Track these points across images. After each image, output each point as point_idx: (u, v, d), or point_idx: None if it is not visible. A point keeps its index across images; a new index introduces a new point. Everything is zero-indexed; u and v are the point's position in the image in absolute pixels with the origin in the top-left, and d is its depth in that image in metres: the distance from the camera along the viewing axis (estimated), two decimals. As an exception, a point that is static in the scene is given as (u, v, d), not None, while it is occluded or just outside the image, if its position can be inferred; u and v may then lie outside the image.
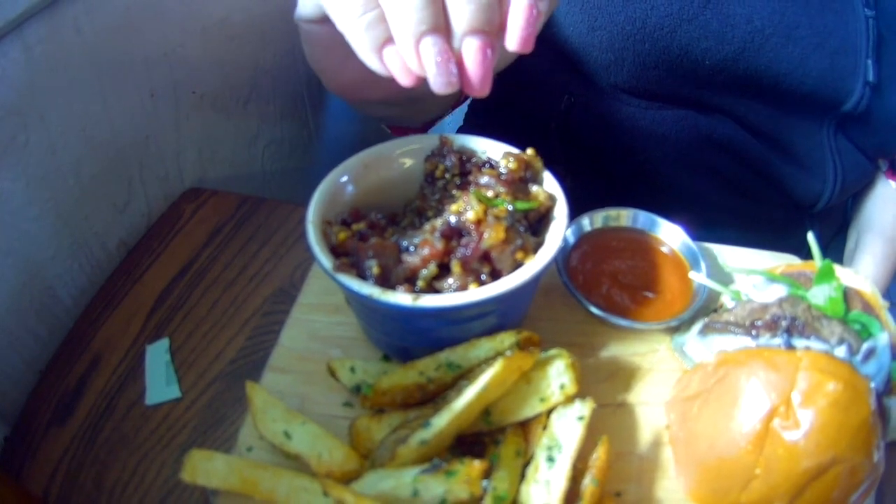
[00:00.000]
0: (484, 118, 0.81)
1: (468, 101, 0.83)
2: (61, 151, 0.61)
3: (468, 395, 0.39)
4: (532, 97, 0.70)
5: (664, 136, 0.64)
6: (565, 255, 0.52)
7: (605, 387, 0.49)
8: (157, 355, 0.57)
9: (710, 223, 0.72)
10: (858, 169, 0.74)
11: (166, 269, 0.62)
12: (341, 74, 0.55)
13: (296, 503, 0.41)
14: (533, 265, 0.40)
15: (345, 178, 0.48)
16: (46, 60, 0.57)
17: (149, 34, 0.65)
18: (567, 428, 0.42)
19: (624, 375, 0.49)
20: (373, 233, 0.43)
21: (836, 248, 0.91)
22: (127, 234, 0.67)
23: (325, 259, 0.41)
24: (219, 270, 0.61)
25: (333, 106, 0.97)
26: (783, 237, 0.74)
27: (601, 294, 0.50)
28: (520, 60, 0.66)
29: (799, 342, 0.47)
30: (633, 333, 0.51)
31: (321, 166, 0.49)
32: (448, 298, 0.38)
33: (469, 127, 0.84)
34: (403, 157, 0.50)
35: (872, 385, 0.46)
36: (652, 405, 0.49)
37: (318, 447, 0.43)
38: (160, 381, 0.55)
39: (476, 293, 0.38)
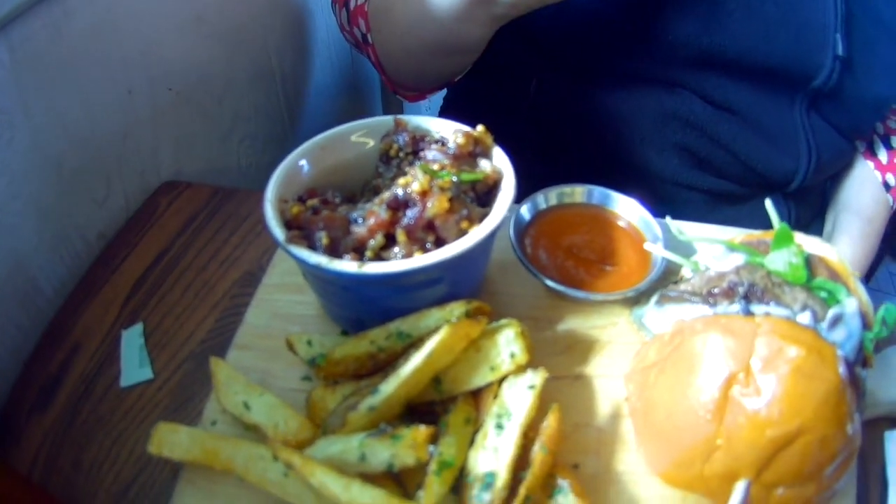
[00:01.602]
0: (462, 104, 0.83)
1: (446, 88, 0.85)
2: (43, 148, 0.64)
3: (415, 361, 0.41)
4: (502, 82, 0.72)
5: (631, 115, 0.65)
6: (520, 231, 0.53)
7: (562, 359, 0.50)
8: (132, 339, 0.59)
9: (683, 204, 0.73)
10: (834, 148, 0.74)
11: (142, 259, 0.65)
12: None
13: (252, 471, 0.43)
14: (477, 233, 0.41)
15: (302, 161, 0.50)
16: (29, 61, 0.60)
17: (126, 34, 0.68)
18: (517, 397, 0.43)
19: (581, 348, 0.50)
20: (326, 208, 0.45)
21: (815, 232, 0.91)
22: (106, 226, 0.70)
23: (278, 231, 0.43)
24: (191, 257, 0.64)
25: (308, 101, 1.01)
26: (759, 218, 0.75)
27: (557, 268, 0.52)
28: (490, 47, 0.68)
29: (758, 308, 0.47)
30: (591, 307, 0.52)
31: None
32: (392, 265, 0.40)
33: (446, 115, 0.87)
34: (360, 139, 0.52)
35: (841, 353, 0.45)
36: (611, 377, 0.50)
37: (275, 417, 0.45)
38: (134, 364, 0.58)
39: (419, 259, 0.40)
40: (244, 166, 0.87)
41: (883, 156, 0.82)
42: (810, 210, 0.88)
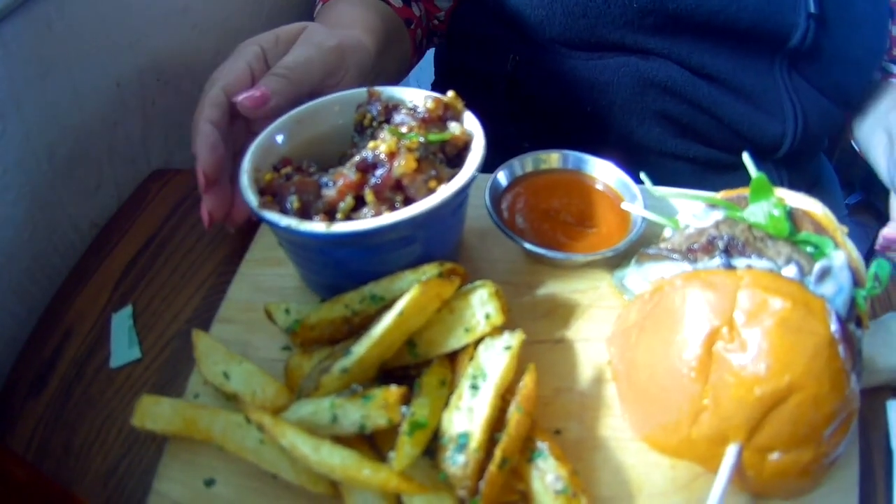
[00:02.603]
0: (447, 84, 0.85)
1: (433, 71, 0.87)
2: (36, 139, 0.66)
3: (386, 321, 0.41)
4: (481, 60, 0.73)
5: (607, 85, 0.65)
6: (497, 197, 0.53)
7: (542, 324, 0.49)
8: (122, 321, 0.61)
9: (672, 174, 0.72)
10: (820, 109, 0.73)
11: (132, 244, 0.67)
12: None
13: (230, 439, 0.44)
14: (445, 190, 0.42)
15: (278, 134, 0.51)
16: (22, 55, 0.62)
17: (114, 26, 0.70)
18: (493, 358, 0.43)
19: (563, 312, 0.50)
20: (299, 175, 0.46)
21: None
22: (97, 215, 0.72)
23: (251, 198, 0.44)
24: (179, 239, 0.65)
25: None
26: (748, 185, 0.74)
27: (535, 232, 0.51)
28: (466, 26, 0.69)
29: (739, 262, 0.45)
30: (571, 271, 0.51)
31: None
32: (360, 224, 0.40)
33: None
34: (335, 111, 0.53)
35: (831, 307, 0.43)
36: (593, 341, 0.49)
37: (253, 385, 0.46)
38: (123, 345, 0.59)
39: (387, 217, 0.40)
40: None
41: None
42: (806, 180, 0.86)
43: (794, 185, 0.86)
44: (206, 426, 0.45)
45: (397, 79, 0.78)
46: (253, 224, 0.60)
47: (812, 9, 0.65)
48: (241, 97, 0.50)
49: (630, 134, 0.69)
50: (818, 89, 0.72)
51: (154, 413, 0.47)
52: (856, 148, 0.89)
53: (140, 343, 0.59)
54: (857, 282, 0.48)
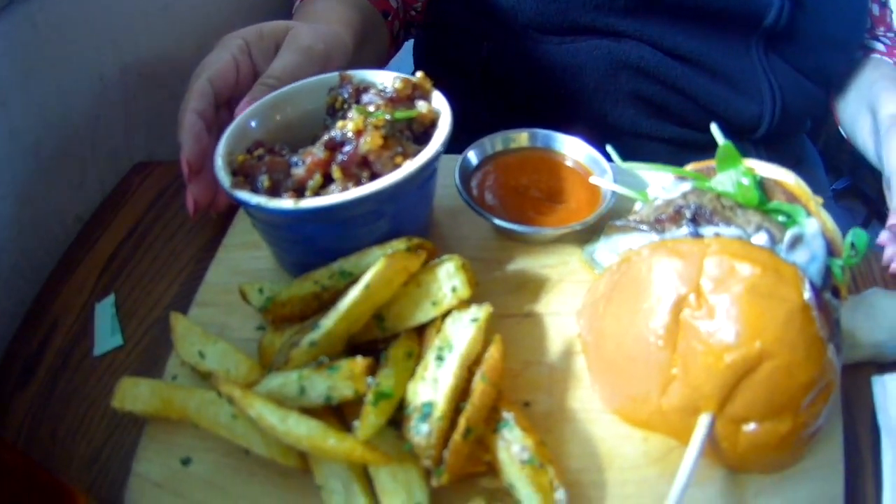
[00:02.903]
0: (426, 72, 0.86)
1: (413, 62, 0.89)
2: (22, 135, 0.68)
3: (353, 294, 0.42)
4: (456, 48, 0.74)
5: (580, 68, 0.66)
6: (468, 175, 0.54)
7: (512, 298, 0.50)
8: (104, 311, 0.62)
9: (649, 156, 0.72)
10: (799, 89, 0.74)
11: (115, 235, 0.68)
12: None
13: (204, 415, 0.45)
14: (410, 165, 0.43)
15: (252, 119, 0.52)
16: (7, 53, 0.64)
17: (97, 23, 0.72)
18: (460, 330, 0.43)
19: (532, 287, 0.51)
20: (271, 156, 0.47)
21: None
22: (82, 209, 0.73)
23: (224, 178, 0.45)
24: (160, 229, 0.66)
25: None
26: None
27: (505, 208, 0.52)
28: (442, 16, 0.70)
29: (707, 231, 0.46)
30: (541, 247, 0.52)
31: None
32: (327, 199, 0.41)
33: None
34: (307, 96, 0.54)
35: (804, 275, 0.43)
36: (563, 315, 0.50)
37: (227, 363, 0.47)
38: (106, 333, 0.60)
39: (353, 192, 0.41)
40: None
41: (881, 48, 0.81)
42: (787, 161, 0.86)
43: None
44: (182, 404, 0.46)
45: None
46: (233, 210, 0.62)
47: None
48: (235, 110, 0.52)
49: (604, 116, 0.70)
50: (797, 69, 0.73)
51: (133, 395, 0.48)
52: (843, 133, 0.89)
53: (122, 330, 0.60)
54: (833, 253, 0.47)
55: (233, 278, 0.54)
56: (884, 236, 0.61)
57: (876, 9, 0.87)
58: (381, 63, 0.80)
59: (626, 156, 0.59)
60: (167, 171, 0.73)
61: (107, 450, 0.55)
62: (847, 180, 1.43)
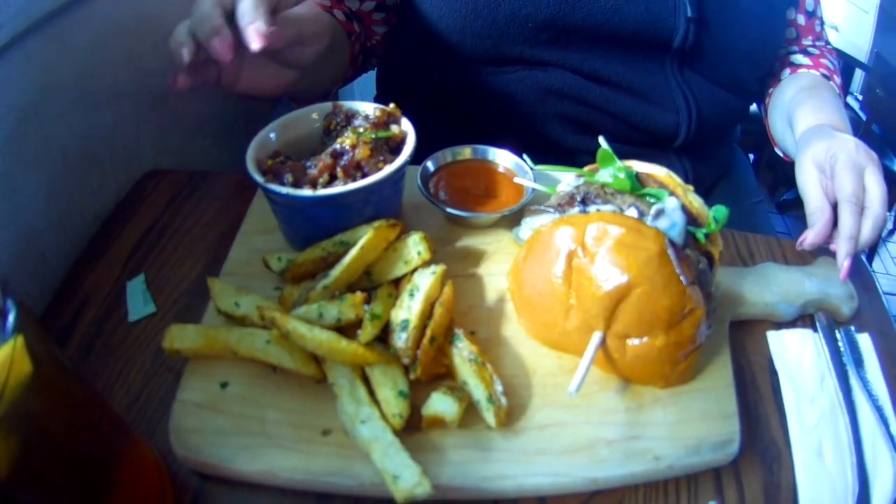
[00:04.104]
0: (388, 97, 1.16)
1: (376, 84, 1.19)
2: (51, 141, 0.91)
3: (352, 252, 0.72)
4: (411, 79, 1.06)
5: (512, 94, 0.98)
6: (426, 178, 0.86)
7: (460, 263, 0.82)
8: (136, 286, 0.88)
9: (578, 166, 1.04)
10: (715, 100, 0.96)
11: (137, 229, 0.94)
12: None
13: (243, 344, 0.72)
14: (388, 168, 0.75)
15: (271, 134, 0.82)
16: (41, 67, 0.84)
17: (115, 46, 0.98)
18: (424, 279, 0.74)
19: (475, 256, 0.83)
20: (290, 161, 0.78)
21: (722, 195, 1.13)
22: (100, 209, 0.99)
23: (258, 176, 0.75)
24: (179, 223, 0.94)
25: (255, 105, 1.33)
26: None
27: (454, 202, 0.85)
28: (399, 51, 0.99)
29: (592, 208, 0.74)
30: (481, 230, 0.85)
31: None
32: (335, 189, 0.73)
33: (378, 101, 1.19)
34: (310, 118, 0.85)
35: (663, 234, 0.66)
36: (497, 275, 0.82)
37: (257, 307, 0.75)
38: (139, 304, 0.86)
39: (353, 185, 0.73)
40: (209, 159, 1.19)
41: (807, 61, 1.03)
42: (711, 170, 1.11)
43: (699, 174, 1.06)
44: (224, 339, 0.73)
45: (329, 89, 1.04)
46: (243, 207, 0.90)
47: (690, 13, 0.86)
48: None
49: (535, 134, 1.02)
50: (711, 81, 0.95)
51: (181, 336, 0.75)
52: (778, 153, 1.09)
53: (154, 301, 0.86)
54: (698, 223, 0.73)
55: (251, 255, 0.83)
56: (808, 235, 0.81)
57: (802, 19, 1.07)
58: (336, 82, 1.04)
59: (560, 166, 0.89)
60: (177, 177, 1.01)
61: (145, 394, 0.78)
62: (795, 192, 1.85)
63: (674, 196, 0.74)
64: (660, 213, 0.71)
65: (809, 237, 0.81)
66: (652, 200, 0.74)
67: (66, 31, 0.91)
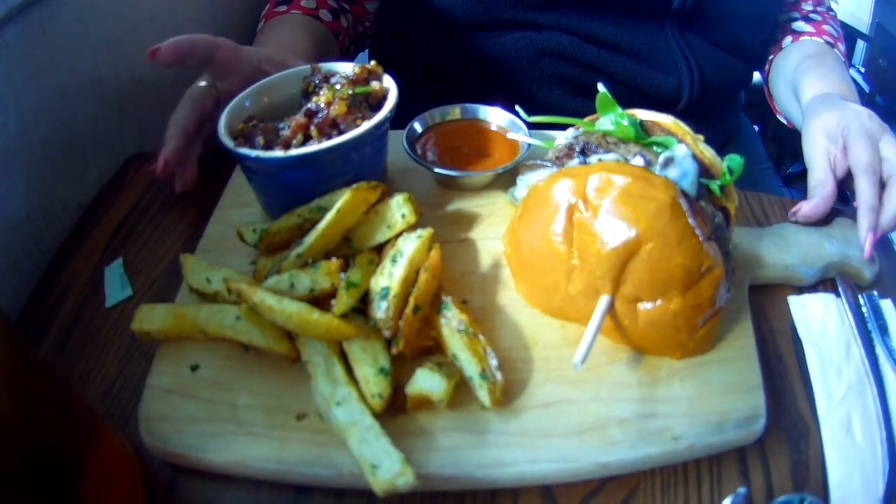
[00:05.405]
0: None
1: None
2: (31, 129, 0.90)
3: (328, 217, 0.66)
4: (403, 49, 1.02)
5: (507, 58, 0.93)
6: (413, 141, 0.80)
7: (451, 228, 0.75)
8: (114, 271, 0.84)
9: None
10: (717, 62, 0.94)
11: (117, 214, 0.91)
12: None
13: (212, 322, 0.66)
14: (367, 123, 0.68)
15: (246, 101, 0.77)
16: (20, 54, 0.85)
17: (95, 32, 0.96)
18: (408, 244, 0.67)
19: (467, 220, 0.76)
20: (262, 124, 0.72)
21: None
22: (83, 196, 0.96)
23: (228, 141, 0.70)
24: (158, 205, 0.90)
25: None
26: None
27: (443, 163, 0.78)
28: (389, 23, 0.95)
29: (593, 158, 0.66)
30: (474, 192, 0.77)
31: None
32: (308, 147, 0.66)
33: None
34: (287, 83, 0.79)
35: (674, 183, 0.59)
36: (492, 239, 0.74)
37: (224, 279, 0.69)
38: (116, 288, 0.82)
39: (328, 142, 0.66)
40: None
41: (809, 28, 1.01)
42: (716, 135, 1.07)
43: (706, 139, 1.05)
44: (192, 317, 0.67)
45: None
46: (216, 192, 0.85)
47: None
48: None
49: (533, 97, 0.96)
50: (715, 45, 0.92)
51: (150, 317, 0.69)
52: (782, 121, 1.06)
53: (131, 284, 0.82)
54: (711, 175, 0.66)
55: (227, 230, 0.78)
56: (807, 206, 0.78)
57: None
58: None
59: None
60: (159, 160, 0.97)
61: (119, 382, 0.74)
62: (800, 164, 1.74)
63: (683, 143, 0.66)
64: (669, 162, 0.64)
65: (804, 209, 0.79)
66: (658, 150, 0.66)
67: (45, 19, 0.90)
